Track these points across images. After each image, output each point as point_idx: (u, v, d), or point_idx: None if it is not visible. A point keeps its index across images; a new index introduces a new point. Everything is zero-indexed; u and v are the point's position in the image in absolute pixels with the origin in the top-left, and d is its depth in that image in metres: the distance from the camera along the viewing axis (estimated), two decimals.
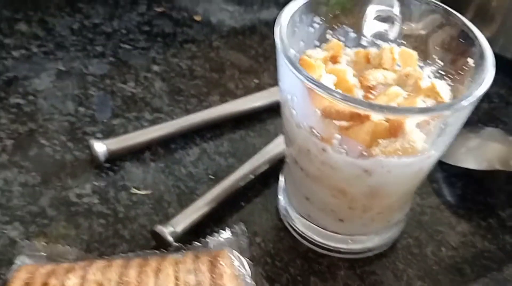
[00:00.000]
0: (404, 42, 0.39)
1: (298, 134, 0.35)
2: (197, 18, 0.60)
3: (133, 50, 0.56)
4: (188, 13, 0.61)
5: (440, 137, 0.33)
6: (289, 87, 0.34)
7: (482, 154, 0.45)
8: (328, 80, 0.35)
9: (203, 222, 0.41)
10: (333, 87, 0.34)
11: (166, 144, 0.47)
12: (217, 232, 0.38)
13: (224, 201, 0.42)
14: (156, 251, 0.36)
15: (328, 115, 0.33)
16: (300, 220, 0.41)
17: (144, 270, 0.32)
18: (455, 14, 0.36)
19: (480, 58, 0.34)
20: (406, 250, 0.41)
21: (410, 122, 0.32)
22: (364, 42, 0.40)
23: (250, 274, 0.34)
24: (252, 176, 0.44)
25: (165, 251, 0.36)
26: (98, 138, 0.46)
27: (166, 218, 0.41)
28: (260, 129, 0.49)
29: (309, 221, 0.40)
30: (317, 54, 0.37)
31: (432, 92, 0.35)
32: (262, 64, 0.56)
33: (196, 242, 0.36)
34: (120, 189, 0.43)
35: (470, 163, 0.44)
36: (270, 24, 0.61)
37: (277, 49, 0.34)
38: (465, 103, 0.30)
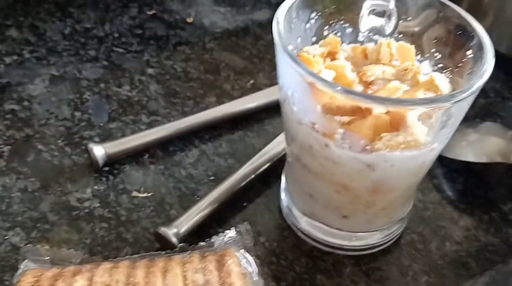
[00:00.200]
0: (401, 37, 0.40)
1: (300, 130, 0.35)
2: (189, 20, 0.61)
3: (126, 53, 0.56)
4: (180, 15, 0.62)
5: (442, 130, 0.34)
6: (289, 83, 0.35)
7: (482, 148, 0.46)
8: (327, 76, 0.35)
9: (206, 223, 0.42)
10: None
11: (164, 146, 0.48)
12: (221, 232, 0.39)
13: (226, 201, 0.43)
14: (161, 252, 0.36)
15: (329, 110, 0.33)
16: (304, 219, 0.41)
17: (151, 270, 0.32)
18: (451, 7, 0.37)
19: (479, 49, 0.34)
20: (410, 246, 0.42)
21: (412, 115, 0.33)
22: (360, 38, 0.41)
23: (257, 271, 0.34)
24: (253, 176, 0.45)
25: (170, 252, 0.36)
26: (96, 142, 0.46)
27: (168, 220, 0.41)
28: (258, 129, 0.50)
29: (312, 219, 0.41)
30: (314, 50, 0.38)
31: (431, 85, 0.35)
32: (257, 65, 0.57)
33: (201, 242, 0.37)
34: (120, 193, 0.44)
35: (471, 156, 0.45)
36: (263, 25, 0.62)
37: (275, 45, 0.34)
38: (467, 93, 0.31)
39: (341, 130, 0.33)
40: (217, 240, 0.37)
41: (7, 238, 0.40)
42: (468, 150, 0.45)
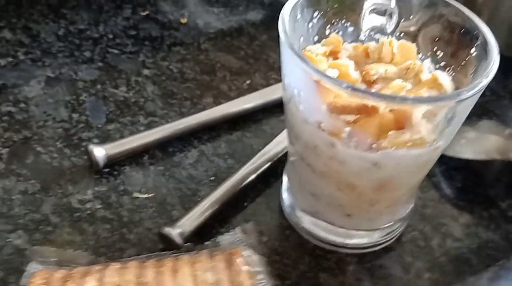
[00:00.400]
0: (403, 35, 0.40)
1: (305, 130, 0.36)
2: (183, 20, 0.61)
3: (121, 54, 0.56)
4: (174, 16, 0.62)
5: (447, 128, 0.34)
6: (296, 81, 0.35)
7: (480, 145, 0.47)
8: (331, 75, 0.36)
9: (208, 223, 0.42)
10: None
11: (164, 147, 0.48)
12: (223, 233, 0.39)
13: (227, 201, 0.43)
14: (168, 252, 0.36)
15: (334, 110, 0.34)
16: (306, 218, 0.42)
17: (161, 270, 0.33)
18: (454, 5, 0.37)
19: (483, 47, 0.35)
20: (412, 243, 0.43)
21: (418, 113, 0.33)
22: (362, 37, 0.41)
23: (264, 270, 0.35)
24: (253, 176, 0.45)
25: (178, 252, 0.36)
26: (95, 144, 0.46)
27: (171, 221, 0.41)
28: (256, 130, 0.51)
29: (315, 217, 0.41)
30: (317, 50, 0.39)
31: (434, 84, 0.36)
32: (253, 65, 0.57)
33: (207, 242, 0.37)
34: (122, 194, 0.44)
35: (469, 154, 0.46)
36: (257, 25, 0.62)
37: (281, 44, 0.35)
38: (474, 91, 0.32)
39: (347, 129, 0.33)
40: (222, 239, 0.37)
41: (10, 241, 0.40)
42: (466, 148, 0.46)
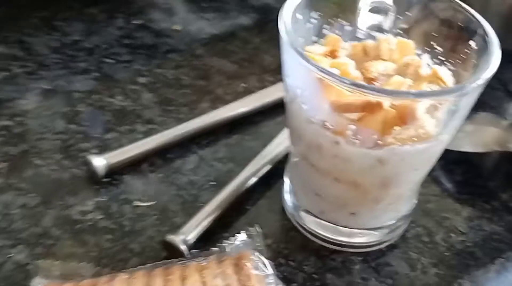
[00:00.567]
0: (400, 32, 0.39)
1: (308, 129, 0.35)
2: (176, 27, 0.60)
3: (116, 64, 0.55)
4: (166, 24, 0.61)
5: (451, 122, 0.34)
6: (299, 81, 0.34)
7: (479, 138, 0.47)
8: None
9: (211, 229, 0.41)
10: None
11: (163, 154, 0.47)
12: (226, 237, 0.38)
13: (229, 206, 0.42)
14: (174, 260, 0.35)
15: (338, 108, 0.33)
16: (310, 218, 0.41)
17: (169, 278, 0.32)
18: (451, 0, 0.37)
19: (483, 40, 0.34)
20: (416, 239, 0.42)
21: (420, 108, 0.32)
22: (360, 35, 0.40)
23: (274, 274, 0.34)
24: (255, 179, 0.44)
25: (184, 259, 0.35)
26: (94, 154, 0.45)
27: (173, 228, 0.40)
28: (255, 132, 0.50)
29: (319, 218, 0.40)
30: (316, 50, 0.38)
31: (434, 78, 0.35)
32: (248, 68, 0.56)
33: (213, 248, 0.36)
34: (122, 203, 0.43)
35: (468, 147, 0.46)
36: (249, 29, 0.61)
37: (283, 44, 0.34)
38: (478, 84, 0.31)
39: (352, 127, 0.33)
40: (228, 244, 0.36)
41: (11, 256, 0.38)
42: (465, 141, 0.45)
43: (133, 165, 0.45)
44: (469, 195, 0.45)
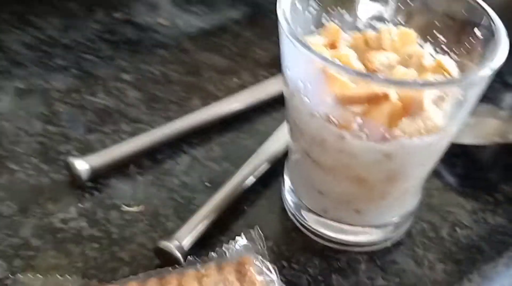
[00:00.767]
0: (401, 21, 0.38)
1: (312, 123, 0.33)
2: (162, 21, 0.58)
3: (97, 60, 0.53)
4: (150, 17, 0.59)
5: (458, 113, 0.32)
6: (300, 73, 0.32)
7: (480, 130, 0.46)
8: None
9: (208, 233, 0.38)
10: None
11: (151, 155, 0.44)
12: (224, 241, 0.36)
13: (226, 208, 0.40)
14: (169, 268, 0.33)
15: (342, 101, 0.31)
16: (312, 218, 0.39)
17: None
18: None
19: (489, 29, 0.33)
20: (422, 235, 0.41)
21: (427, 99, 0.31)
22: (360, 25, 0.39)
23: (278, 278, 0.31)
24: (252, 179, 0.42)
25: (179, 267, 0.33)
26: (75, 156, 0.42)
27: (166, 234, 0.38)
28: (250, 130, 0.47)
29: (322, 217, 0.38)
30: (316, 41, 0.36)
31: (439, 69, 0.34)
32: (240, 63, 0.54)
33: (212, 253, 0.34)
34: (109, 209, 0.40)
35: (470, 139, 0.45)
36: (239, 22, 0.59)
37: (283, 34, 0.32)
38: (487, 73, 0.30)
39: (358, 120, 0.31)
40: (227, 249, 0.34)
41: None
42: (467, 133, 0.44)
43: (119, 168, 0.43)
44: (472, 188, 0.44)
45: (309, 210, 0.39)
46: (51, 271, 0.36)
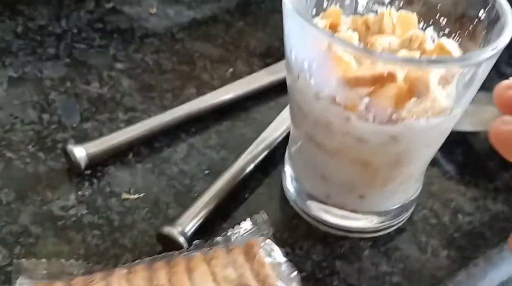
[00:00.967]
0: (402, 4, 0.38)
1: (316, 106, 0.33)
2: (152, 10, 0.58)
3: (89, 49, 0.53)
4: (141, 7, 0.59)
5: (464, 95, 0.33)
6: (306, 52, 0.33)
7: (478, 117, 0.46)
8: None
9: (210, 219, 0.39)
10: None
11: (149, 143, 0.44)
12: (227, 228, 0.36)
13: (227, 195, 0.40)
14: (175, 252, 0.33)
15: (348, 82, 0.32)
16: (315, 204, 0.40)
17: (174, 271, 0.30)
18: None
19: (493, 10, 0.34)
20: (424, 222, 0.41)
21: (433, 80, 0.31)
22: (360, 8, 0.39)
23: (287, 260, 0.32)
24: (252, 166, 0.42)
25: (186, 251, 0.33)
26: (73, 144, 0.42)
27: (167, 220, 0.38)
28: (246, 118, 0.48)
29: (325, 203, 0.39)
30: (317, 24, 0.37)
31: (442, 52, 0.34)
32: (233, 52, 0.54)
33: (217, 238, 0.34)
34: (109, 196, 0.40)
35: (468, 126, 0.46)
36: (231, 12, 0.59)
37: (287, 13, 0.32)
38: (494, 50, 0.30)
39: (365, 100, 0.31)
40: (233, 233, 0.34)
41: None
42: (465, 121, 0.44)
43: (117, 156, 0.43)
44: (472, 176, 0.45)
45: (311, 197, 0.40)
46: (52, 258, 0.35)
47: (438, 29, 0.38)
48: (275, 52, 0.54)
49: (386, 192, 0.38)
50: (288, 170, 0.41)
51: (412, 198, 0.41)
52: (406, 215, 0.41)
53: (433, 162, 0.46)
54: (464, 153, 0.47)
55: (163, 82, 0.50)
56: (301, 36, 0.32)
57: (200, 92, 0.49)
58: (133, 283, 0.29)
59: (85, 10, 0.57)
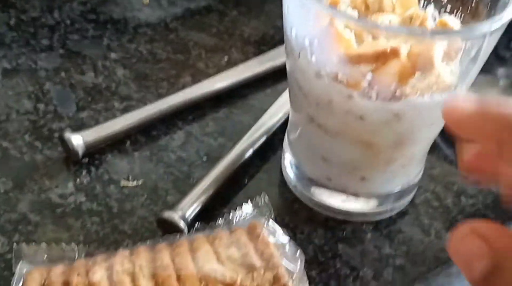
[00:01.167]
0: None
1: (318, 84, 0.33)
2: (145, 1, 0.58)
3: (83, 39, 0.52)
4: None
5: (468, 72, 0.33)
6: (308, 30, 0.33)
7: None
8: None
9: (209, 205, 0.39)
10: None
11: (146, 131, 0.44)
12: (227, 212, 0.36)
13: (226, 181, 0.40)
14: (177, 234, 0.33)
15: (350, 59, 0.32)
16: (315, 188, 0.40)
17: (178, 251, 0.30)
18: None
19: None
20: (426, 205, 0.41)
21: (437, 55, 0.32)
22: None
23: (290, 240, 0.32)
24: (251, 152, 0.42)
25: (188, 234, 0.33)
26: (70, 132, 0.42)
27: (167, 207, 0.38)
28: (243, 105, 0.48)
29: (326, 187, 0.39)
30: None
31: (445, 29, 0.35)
32: (228, 41, 0.54)
33: (219, 220, 0.34)
34: (107, 183, 0.40)
35: None
36: (224, 1, 0.60)
37: None
38: (499, 23, 0.30)
39: (368, 77, 0.31)
40: (234, 216, 0.34)
41: None
42: None
43: (114, 144, 0.43)
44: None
45: (312, 181, 0.40)
46: (52, 244, 0.35)
47: (439, 6, 0.37)
48: (269, 39, 0.54)
49: (388, 173, 0.38)
50: (287, 155, 0.41)
51: (414, 181, 0.41)
52: (408, 198, 0.41)
53: (434, 147, 0.46)
54: None
55: (158, 71, 0.50)
56: (302, 13, 0.32)
57: (196, 81, 0.49)
58: (136, 263, 0.29)
59: (78, 1, 0.57)
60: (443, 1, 0.37)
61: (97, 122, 0.44)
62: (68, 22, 0.54)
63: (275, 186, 0.42)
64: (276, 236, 0.31)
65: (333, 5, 0.36)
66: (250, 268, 0.28)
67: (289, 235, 0.37)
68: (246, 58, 0.52)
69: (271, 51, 0.52)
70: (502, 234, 0.18)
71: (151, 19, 0.56)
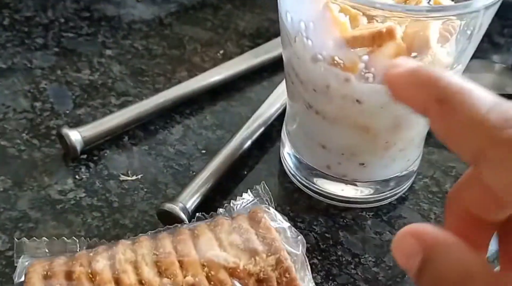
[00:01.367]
0: None
1: (315, 70, 0.34)
2: None
3: (77, 37, 0.53)
4: None
5: (464, 51, 0.33)
6: (302, 12, 0.33)
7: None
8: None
9: (210, 197, 0.39)
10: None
11: (144, 126, 0.45)
12: (228, 203, 0.36)
13: (226, 172, 0.41)
14: (178, 225, 0.33)
15: (347, 41, 0.32)
16: (315, 177, 0.40)
17: (180, 239, 0.30)
18: None
19: None
20: (425, 190, 0.42)
21: (433, 36, 0.32)
22: None
23: (291, 225, 0.32)
24: (249, 143, 0.43)
25: (189, 223, 0.33)
26: (68, 128, 0.42)
27: (167, 200, 0.38)
28: (241, 98, 0.48)
29: (325, 174, 0.39)
30: None
31: None
32: (223, 35, 0.55)
33: (220, 209, 0.35)
34: (106, 179, 0.41)
35: None
36: None
37: None
38: None
39: (364, 58, 0.32)
40: (235, 205, 0.34)
41: None
42: None
43: (113, 140, 0.43)
44: None
45: (312, 169, 0.40)
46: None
47: None
48: (264, 32, 0.55)
49: (387, 158, 0.38)
50: (286, 144, 0.42)
51: (412, 166, 0.41)
52: (407, 184, 0.41)
53: (431, 132, 0.46)
54: None
55: (154, 66, 0.50)
56: None
57: (192, 75, 0.49)
58: (138, 252, 0.29)
59: (71, 0, 0.57)
60: None
61: (94, 119, 0.45)
62: (62, 20, 0.54)
63: (274, 176, 0.42)
64: (277, 221, 0.32)
65: None
66: (253, 253, 0.29)
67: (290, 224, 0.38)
68: (241, 51, 0.53)
69: (266, 43, 0.52)
70: (432, 232, 0.20)
71: (145, 15, 0.56)
